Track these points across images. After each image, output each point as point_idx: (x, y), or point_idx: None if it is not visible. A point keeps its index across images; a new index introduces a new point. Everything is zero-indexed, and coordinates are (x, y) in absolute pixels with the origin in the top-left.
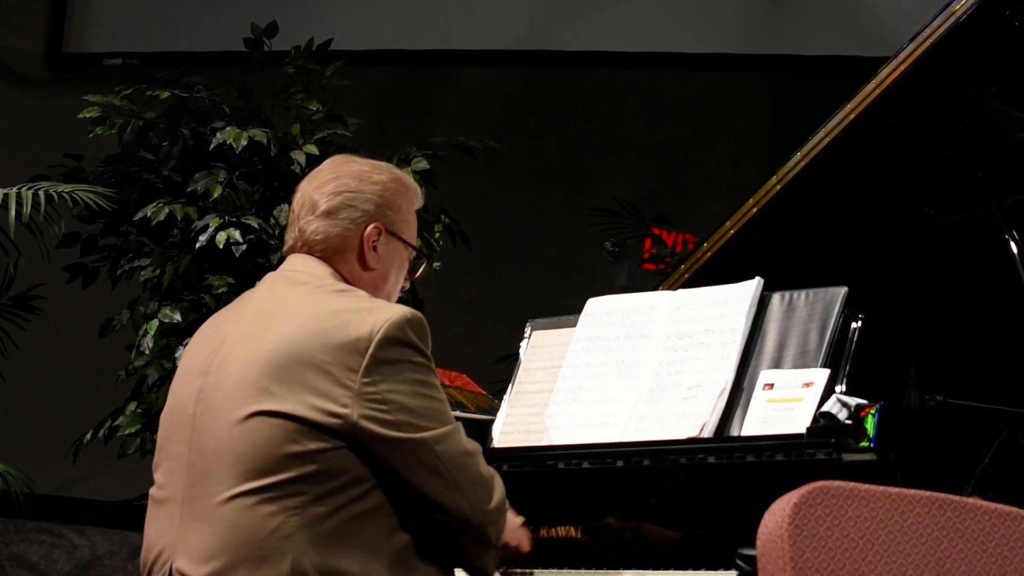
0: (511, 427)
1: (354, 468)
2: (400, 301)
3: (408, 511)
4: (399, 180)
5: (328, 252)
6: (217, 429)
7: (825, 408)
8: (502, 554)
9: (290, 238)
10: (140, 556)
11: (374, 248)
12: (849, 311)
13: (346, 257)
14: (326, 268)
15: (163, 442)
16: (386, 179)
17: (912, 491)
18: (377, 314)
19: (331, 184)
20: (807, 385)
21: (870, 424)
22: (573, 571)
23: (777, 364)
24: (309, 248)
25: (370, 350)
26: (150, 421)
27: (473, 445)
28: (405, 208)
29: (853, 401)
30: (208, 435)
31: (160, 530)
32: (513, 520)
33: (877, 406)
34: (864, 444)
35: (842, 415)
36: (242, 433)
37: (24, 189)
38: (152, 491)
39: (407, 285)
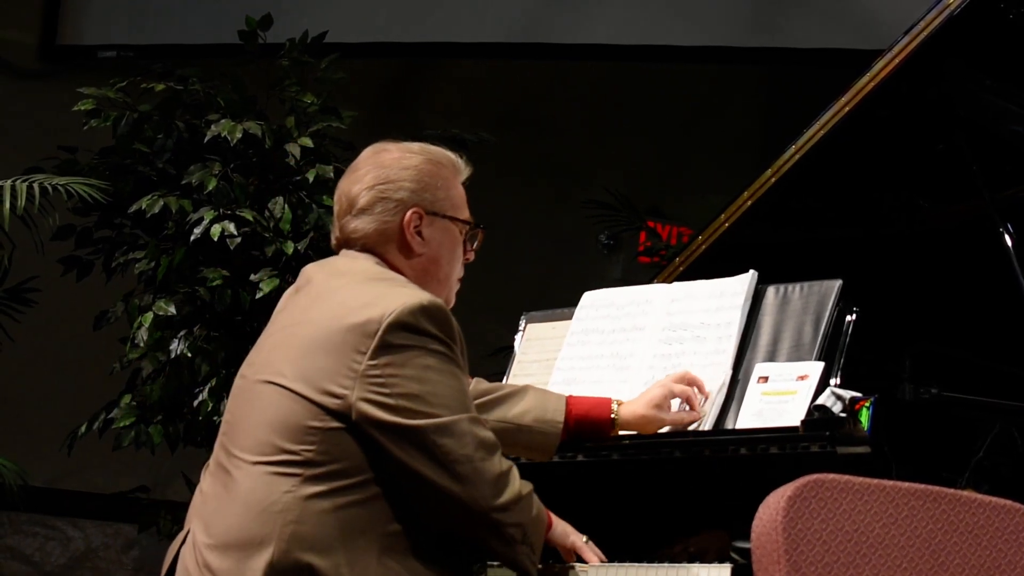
0: None
1: (352, 455)
2: None
3: (412, 502)
4: (432, 159)
5: (370, 245)
6: (244, 402)
7: (820, 401)
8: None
9: (333, 237)
10: None
11: (418, 233)
12: (844, 304)
13: (389, 247)
14: (371, 258)
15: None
16: (418, 162)
17: (906, 484)
18: (393, 299)
19: (366, 178)
20: (802, 378)
21: (864, 417)
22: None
23: (772, 357)
24: (351, 245)
25: (379, 333)
26: (144, 414)
27: (487, 437)
28: (443, 185)
29: (848, 394)
30: (239, 408)
31: (200, 488)
32: (564, 530)
33: (872, 399)
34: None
35: (837, 408)
36: (258, 406)
37: (18, 181)
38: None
39: (471, 257)
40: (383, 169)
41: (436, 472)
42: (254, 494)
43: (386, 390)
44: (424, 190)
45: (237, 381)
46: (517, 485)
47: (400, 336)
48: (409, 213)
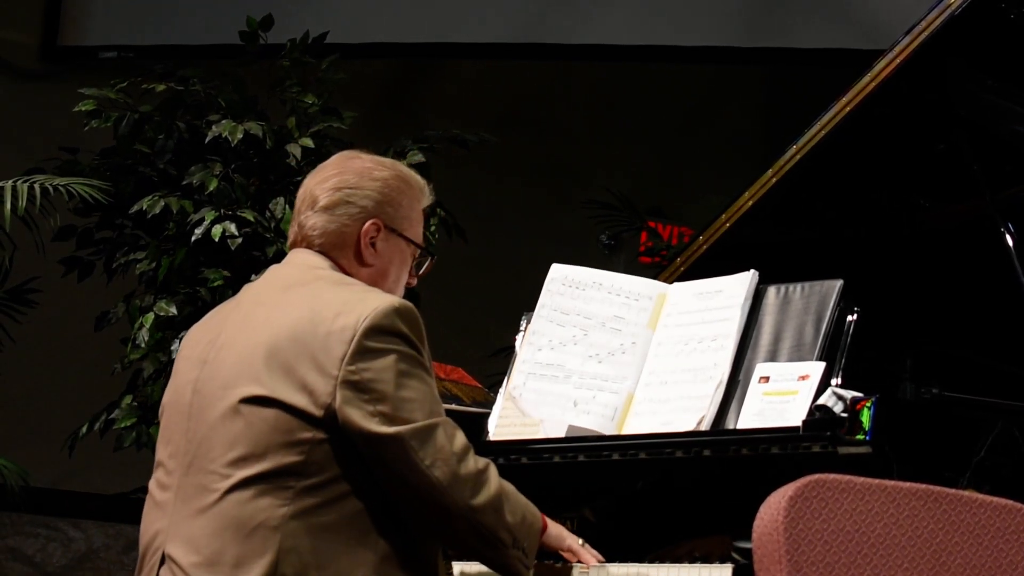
0: (507, 420)
1: (342, 463)
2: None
3: (399, 508)
4: (401, 177)
5: (327, 247)
6: (211, 418)
7: (821, 401)
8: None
9: (291, 233)
10: (139, 544)
11: (372, 244)
12: (845, 304)
13: (344, 252)
14: (325, 261)
15: (163, 431)
16: (388, 176)
17: (907, 484)
18: (366, 303)
19: (332, 179)
20: (803, 378)
21: (866, 417)
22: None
23: (773, 357)
24: (308, 243)
25: (355, 338)
26: (146, 414)
27: (460, 440)
28: (407, 205)
29: (849, 394)
30: (203, 423)
31: (156, 516)
32: (559, 533)
33: (873, 399)
34: (860, 437)
35: (838, 408)
36: (235, 420)
37: (19, 182)
38: (151, 480)
39: (413, 282)
40: (351, 175)
41: (416, 476)
42: (245, 511)
43: (366, 396)
44: (387, 204)
45: (189, 397)
46: (495, 483)
47: (376, 340)
48: (368, 223)
